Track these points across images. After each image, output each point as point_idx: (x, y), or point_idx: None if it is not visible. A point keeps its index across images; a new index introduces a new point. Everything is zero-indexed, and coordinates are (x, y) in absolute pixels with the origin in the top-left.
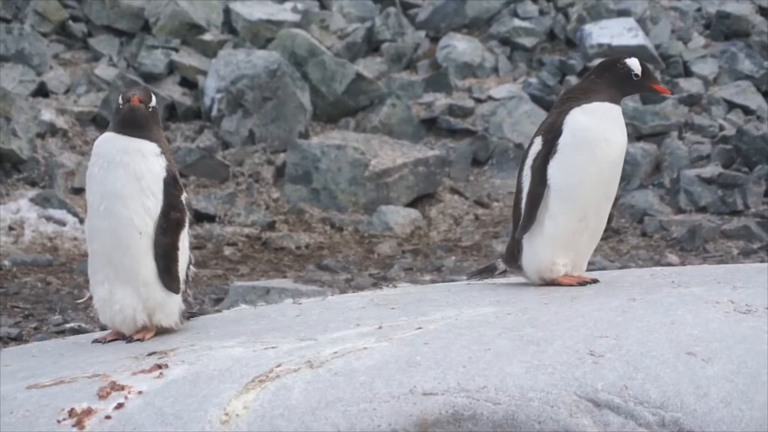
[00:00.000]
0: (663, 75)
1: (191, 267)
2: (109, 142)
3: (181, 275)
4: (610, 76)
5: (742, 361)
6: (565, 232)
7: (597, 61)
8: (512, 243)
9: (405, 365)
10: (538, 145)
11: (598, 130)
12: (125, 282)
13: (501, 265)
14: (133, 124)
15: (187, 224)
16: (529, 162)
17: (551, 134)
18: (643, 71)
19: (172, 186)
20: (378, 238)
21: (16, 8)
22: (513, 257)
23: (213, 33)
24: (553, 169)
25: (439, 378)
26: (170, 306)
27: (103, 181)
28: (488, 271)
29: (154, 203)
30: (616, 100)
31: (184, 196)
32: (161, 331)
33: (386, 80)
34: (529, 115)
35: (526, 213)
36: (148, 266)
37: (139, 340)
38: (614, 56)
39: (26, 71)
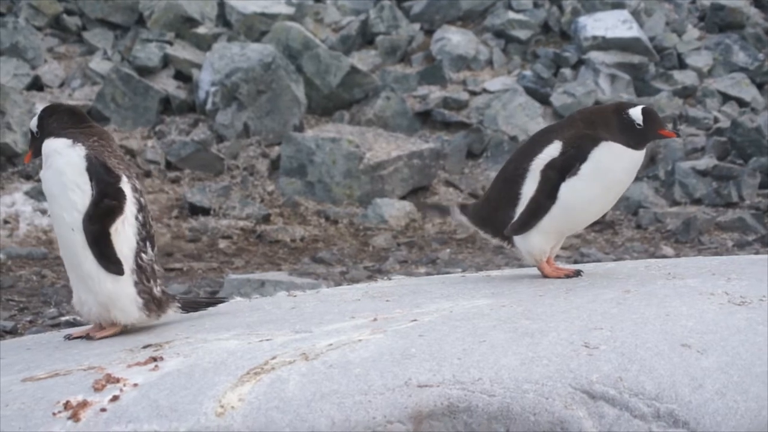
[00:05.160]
0: (657, 67)
1: (144, 255)
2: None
3: (128, 262)
4: (618, 122)
5: (736, 353)
6: (557, 233)
7: (592, 54)
8: (494, 215)
9: (400, 357)
10: (555, 150)
11: (620, 174)
12: (78, 279)
13: (458, 217)
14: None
15: (129, 210)
16: (539, 164)
17: (574, 150)
18: (645, 120)
19: (102, 173)
20: (373, 230)
21: (11, 2)
22: (490, 224)
23: (207, 26)
24: (567, 188)
25: (434, 370)
26: (122, 300)
27: (44, 185)
28: (440, 211)
29: (80, 196)
30: (637, 146)
31: (125, 182)
32: (156, 325)
33: (381, 73)
34: (524, 108)
35: (525, 218)
36: (88, 259)
37: (91, 338)
38: (624, 103)
39: (21, 65)
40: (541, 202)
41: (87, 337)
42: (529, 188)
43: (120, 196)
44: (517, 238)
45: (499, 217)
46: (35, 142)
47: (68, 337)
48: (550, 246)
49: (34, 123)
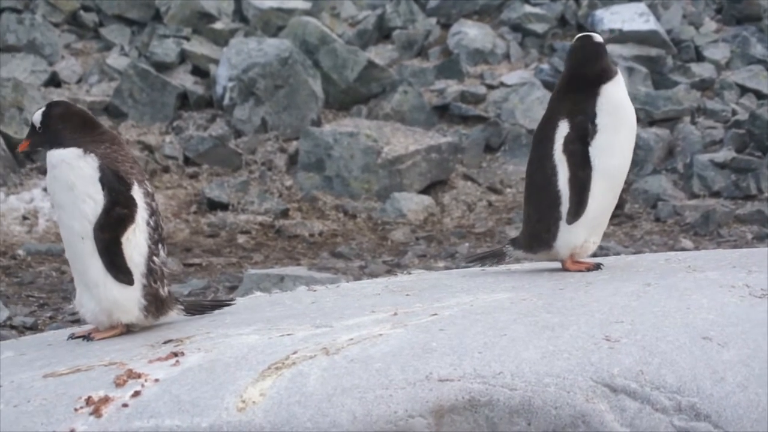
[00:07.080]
0: (675, 60)
1: (156, 258)
2: (47, 156)
3: (139, 268)
4: (595, 58)
5: (758, 345)
6: (603, 212)
7: (609, 47)
8: (537, 227)
9: (421, 351)
10: (565, 128)
11: (629, 106)
12: (83, 285)
13: (513, 252)
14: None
15: (140, 216)
16: (558, 146)
17: (581, 116)
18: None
19: (114, 182)
20: (391, 225)
21: None
22: (537, 241)
23: (224, 21)
24: (597, 150)
25: (455, 364)
26: (125, 304)
27: (49, 193)
28: (494, 257)
29: (91, 206)
30: (616, 68)
31: (136, 189)
32: (177, 321)
33: (398, 67)
34: (541, 101)
35: (577, 198)
36: (95, 267)
37: (91, 339)
38: (580, 39)
39: (38, 61)
40: (580, 176)
41: (87, 337)
42: (564, 179)
43: (131, 205)
44: (561, 237)
45: (545, 226)
46: (35, 137)
47: (72, 337)
48: (595, 237)
49: (38, 117)
